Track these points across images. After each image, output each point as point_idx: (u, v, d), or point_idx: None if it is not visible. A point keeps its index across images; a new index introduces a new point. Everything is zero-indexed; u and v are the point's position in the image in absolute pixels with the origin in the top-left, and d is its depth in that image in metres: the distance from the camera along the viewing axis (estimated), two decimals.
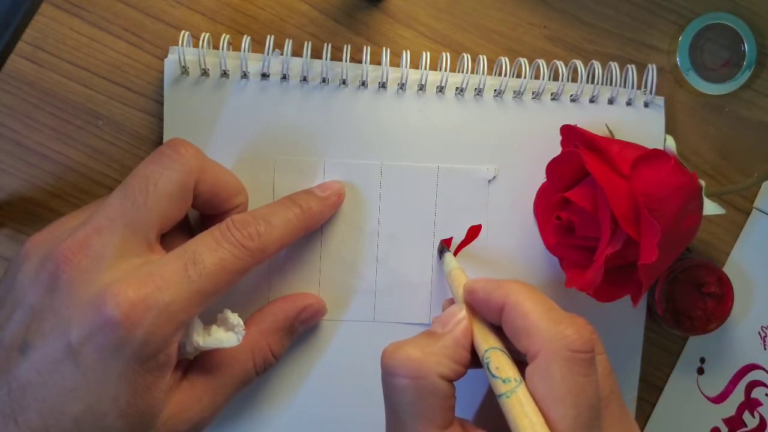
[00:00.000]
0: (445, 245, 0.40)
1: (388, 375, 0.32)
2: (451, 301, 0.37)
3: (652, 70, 0.41)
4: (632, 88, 0.41)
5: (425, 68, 0.40)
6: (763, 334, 0.43)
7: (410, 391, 0.31)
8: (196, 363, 0.35)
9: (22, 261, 0.33)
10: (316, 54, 0.40)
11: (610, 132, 0.41)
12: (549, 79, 0.41)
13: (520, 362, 0.31)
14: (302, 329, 0.40)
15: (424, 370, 0.31)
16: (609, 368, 0.33)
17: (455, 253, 0.41)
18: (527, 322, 0.31)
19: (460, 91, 0.41)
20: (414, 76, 0.41)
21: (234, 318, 0.35)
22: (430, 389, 0.31)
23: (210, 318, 0.35)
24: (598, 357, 0.32)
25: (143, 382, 0.31)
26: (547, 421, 0.29)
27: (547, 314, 0.31)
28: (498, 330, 0.33)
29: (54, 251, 0.32)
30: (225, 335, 0.34)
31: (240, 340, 0.35)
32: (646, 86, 0.41)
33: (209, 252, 0.33)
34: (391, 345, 0.32)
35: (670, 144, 0.39)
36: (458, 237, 0.41)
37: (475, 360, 0.32)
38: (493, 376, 0.30)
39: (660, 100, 0.42)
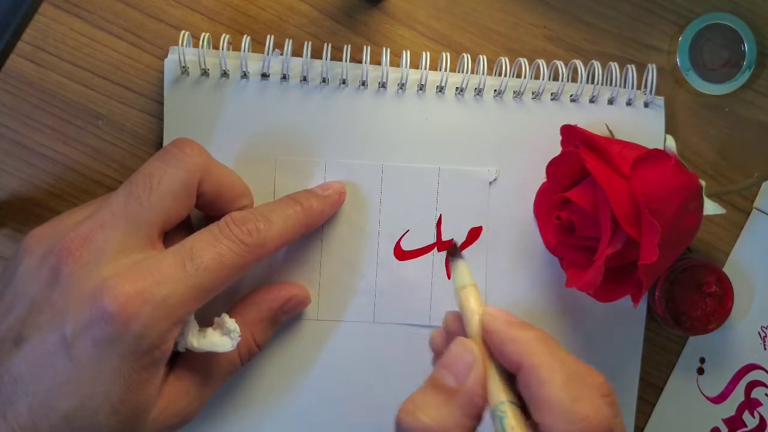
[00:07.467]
0: (458, 249, 0.35)
1: None
2: (456, 317, 0.33)
3: (652, 70, 0.41)
4: (632, 88, 0.41)
5: (425, 68, 0.40)
6: (763, 334, 0.43)
7: None
8: (182, 356, 0.35)
9: (23, 254, 0.33)
10: (316, 54, 0.40)
11: (610, 132, 0.41)
12: (549, 79, 0.41)
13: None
14: (286, 319, 0.40)
15: None
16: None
17: None
18: (543, 392, 0.28)
19: (460, 91, 0.41)
20: (414, 76, 0.41)
21: (231, 323, 0.35)
22: None
23: (207, 322, 0.35)
24: (613, 420, 0.29)
25: (137, 378, 0.31)
26: None
27: (566, 386, 0.28)
28: (510, 375, 0.31)
29: (57, 245, 0.32)
30: (219, 339, 0.34)
31: (234, 347, 0.35)
32: (646, 86, 0.41)
33: (207, 247, 0.33)
34: (408, 404, 0.30)
35: (670, 144, 0.39)
36: (459, 238, 0.41)
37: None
38: None
39: (660, 100, 0.42)
